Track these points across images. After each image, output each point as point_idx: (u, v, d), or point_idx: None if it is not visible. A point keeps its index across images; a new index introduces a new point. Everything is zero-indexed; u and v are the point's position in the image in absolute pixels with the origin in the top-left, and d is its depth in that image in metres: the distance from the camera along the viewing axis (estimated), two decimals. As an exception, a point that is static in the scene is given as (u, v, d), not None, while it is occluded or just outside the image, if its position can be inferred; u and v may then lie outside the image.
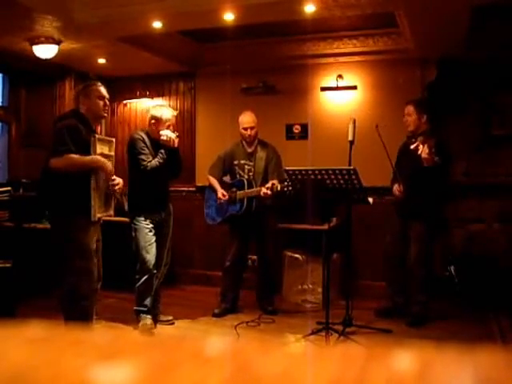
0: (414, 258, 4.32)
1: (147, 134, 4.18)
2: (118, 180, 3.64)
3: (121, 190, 3.76)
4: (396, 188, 4.32)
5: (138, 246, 4.10)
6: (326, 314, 3.89)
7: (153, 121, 4.17)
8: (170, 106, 6.02)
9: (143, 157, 4.06)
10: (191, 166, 5.93)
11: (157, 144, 4.10)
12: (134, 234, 4.14)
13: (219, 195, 4.57)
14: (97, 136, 3.58)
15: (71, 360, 0.33)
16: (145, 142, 4.11)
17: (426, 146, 4.03)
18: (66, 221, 3.48)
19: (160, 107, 4.38)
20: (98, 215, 3.51)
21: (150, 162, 4.04)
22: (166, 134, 4.06)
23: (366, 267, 5.24)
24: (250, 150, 4.64)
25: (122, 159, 4.58)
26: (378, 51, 5.24)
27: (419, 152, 4.07)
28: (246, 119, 4.60)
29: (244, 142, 4.66)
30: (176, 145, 4.10)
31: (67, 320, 3.50)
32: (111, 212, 3.69)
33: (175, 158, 4.15)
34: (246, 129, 4.58)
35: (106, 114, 3.75)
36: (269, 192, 4.33)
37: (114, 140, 3.81)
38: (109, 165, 3.52)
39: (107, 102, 3.69)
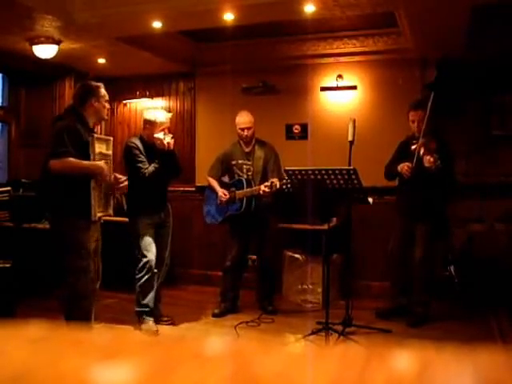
0: (418, 259, 4.31)
1: (141, 138, 4.18)
2: (123, 178, 3.70)
3: (124, 189, 3.80)
4: (407, 164, 4.17)
5: (139, 246, 4.10)
6: (326, 314, 3.89)
7: (147, 125, 4.16)
8: (169, 106, 6.03)
9: (140, 165, 4.06)
10: (191, 166, 5.93)
11: (151, 148, 4.09)
12: (134, 234, 4.14)
13: (220, 194, 4.57)
14: (95, 135, 3.59)
15: (71, 360, 0.33)
16: (139, 149, 4.11)
17: (428, 155, 4.01)
18: (66, 221, 3.48)
19: (154, 110, 4.37)
20: (98, 215, 3.52)
21: (147, 168, 4.05)
22: (160, 137, 4.06)
23: (366, 267, 5.24)
24: (247, 150, 4.64)
25: (120, 159, 4.58)
26: (377, 51, 5.24)
27: (421, 154, 4.07)
28: (243, 120, 4.60)
29: (241, 142, 4.66)
30: (172, 147, 4.10)
31: (68, 320, 3.50)
32: (110, 211, 3.70)
33: (172, 161, 4.14)
34: (242, 129, 4.58)
35: (107, 117, 4.03)
36: (267, 190, 4.32)
37: (111, 139, 3.84)
38: (106, 170, 3.53)
39: (108, 106, 3.86)
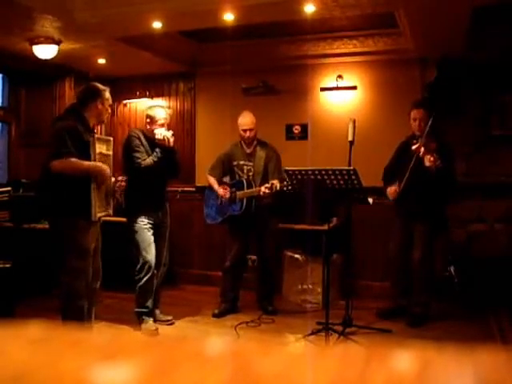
0: (417, 259, 4.31)
1: (143, 132, 4.19)
2: (121, 178, 3.72)
3: (123, 187, 3.81)
4: (394, 189, 4.29)
5: (138, 246, 4.10)
6: (326, 314, 3.89)
7: (148, 120, 4.19)
8: (169, 105, 6.03)
9: (137, 154, 4.06)
10: (191, 166, 5.93)
11: (153, 143, 4.10)
12: (132, 234, 4.13)
13: (220, 191, 4.56)
14: (96, 136, 3.60)
15: (71, 360, 0.33)
16: (140, 140, 4.11)
17: (429, 154, 4.02)
18: (66, 221, 3.48)
19: (155, 107, 4.39)
20: (98, 215, 3.52)
21: (145, 159, 4.05)
22: (161, 132, 4.07)
23: (366, 267, 5.24)
24: (248, 151, 4.64)
25: (121, 159, 4.59)
26: (377, 51, 5.24)
27: (421, 154, 4.07)
28: (245, 121, 4.59)
29: (243, 143, 4.65)
30: (172, 144, 4.10)
31: (64, 319, 3.50)
32: (110, 211, 3.71)
33: (172, 157, 4.15)
34: (245, 131, 4.57)
35: (106, 121, 4.18)
36: (267, 191, 4.32)
37: (111, 139, 3.85)
38: (107, 171, 3.53)
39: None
